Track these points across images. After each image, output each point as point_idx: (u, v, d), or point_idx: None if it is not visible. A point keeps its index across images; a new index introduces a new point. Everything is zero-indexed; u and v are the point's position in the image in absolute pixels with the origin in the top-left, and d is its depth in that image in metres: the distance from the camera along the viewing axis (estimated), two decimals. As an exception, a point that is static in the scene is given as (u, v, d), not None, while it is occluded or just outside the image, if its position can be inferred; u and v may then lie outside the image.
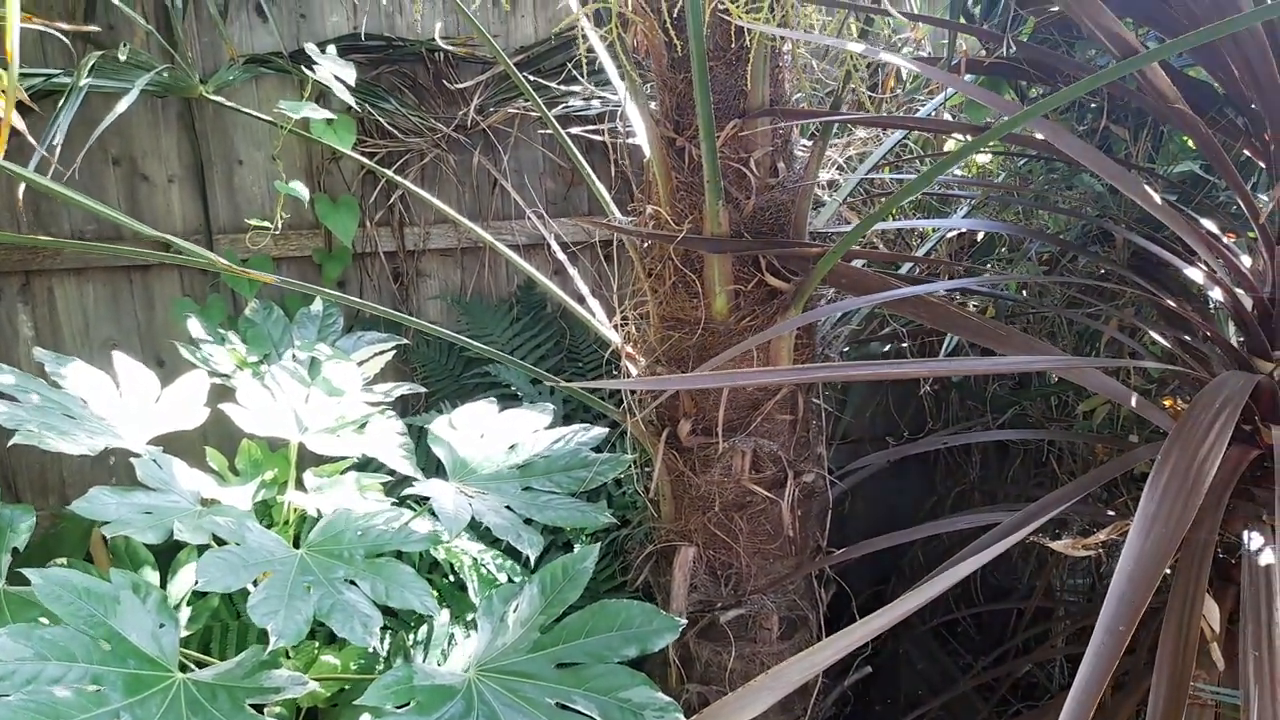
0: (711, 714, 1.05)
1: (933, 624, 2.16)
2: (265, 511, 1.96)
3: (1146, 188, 1.18)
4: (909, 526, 1.56)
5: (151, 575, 2.00)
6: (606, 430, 1.77)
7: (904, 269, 1.78)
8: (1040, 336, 1.63)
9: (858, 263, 1.72)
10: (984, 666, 1.82)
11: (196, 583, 1.32)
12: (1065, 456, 1.79)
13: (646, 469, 1.74)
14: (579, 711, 1.39)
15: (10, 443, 1.41)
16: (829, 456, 1.79)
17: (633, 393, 1.71)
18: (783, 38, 1.39)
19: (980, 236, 1.94)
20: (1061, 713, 0.81)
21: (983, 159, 2.05)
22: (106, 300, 2.36)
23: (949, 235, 1.93)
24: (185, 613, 1.87)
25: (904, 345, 1.91)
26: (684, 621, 1.49)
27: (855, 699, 1.91)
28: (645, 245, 1.65)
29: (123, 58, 1.87)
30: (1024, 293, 1.68)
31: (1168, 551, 0.89)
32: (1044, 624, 2.02)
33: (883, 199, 1.99)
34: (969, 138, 2.09)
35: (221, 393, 1.87)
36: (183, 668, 1.36)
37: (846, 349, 2.00)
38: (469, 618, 1.98)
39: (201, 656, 1.73)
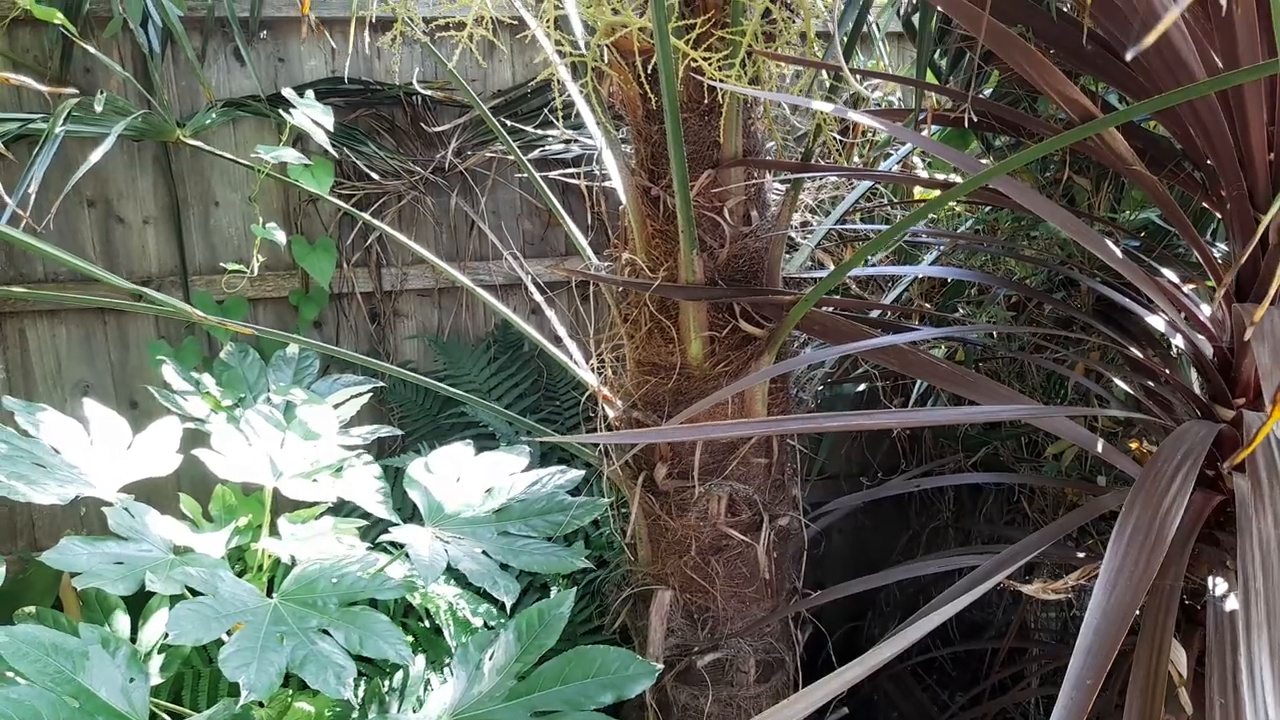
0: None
1: (910, 663, 2.17)
2: (239, 558, 1.95)
3: (1107, 241, 1.21)
4: (884, 563, 1.58)
5: (122, 621, 1.98)
6: (583, 472, 1.78)
7: (876, 311, 1.81)
8: (1009, 380, 1.67)
9: (830, 309, 1.75)
10: (960, 707, 1.83)
11: (167, 635, 1.30)
12: (1036, 496, 1.82)
13: (623, 511, 1.75)
14: (556, 760, 1.38)
15: (-21, 494, 1.40)
16: (804, 495, 1.81)
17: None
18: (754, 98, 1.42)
19: (949, 281, 1.97)
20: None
21: (953, 204, 2.09)
22: (80, 341, 2.34)
23: (919, 278, 1.97)
24: (157, 661, 1.84)
25: (878, 385, 1.94)
26: (660, 666, 1.49)
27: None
28: (621, 291, 1.67)
29: (99, 109, 1.88)
30: (993, 337, 1.71)
31: (1133, 604, 0.91)
32: (1019, 663, 2.03)
33: (856, 243, 2.03)
34: (936, 191, 2.14)
35: (196, 437, 1.86)
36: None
37: (821, 388, 2.02)
38: (445, 663, 1.96)
39: (173, 707, 1.70)
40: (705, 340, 1.57)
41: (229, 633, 1.41)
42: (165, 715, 1.69)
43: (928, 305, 1.78)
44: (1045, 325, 1.61)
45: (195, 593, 1.44)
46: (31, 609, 1.85)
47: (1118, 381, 1.37)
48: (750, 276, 1.58)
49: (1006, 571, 1.16)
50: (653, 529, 1.69)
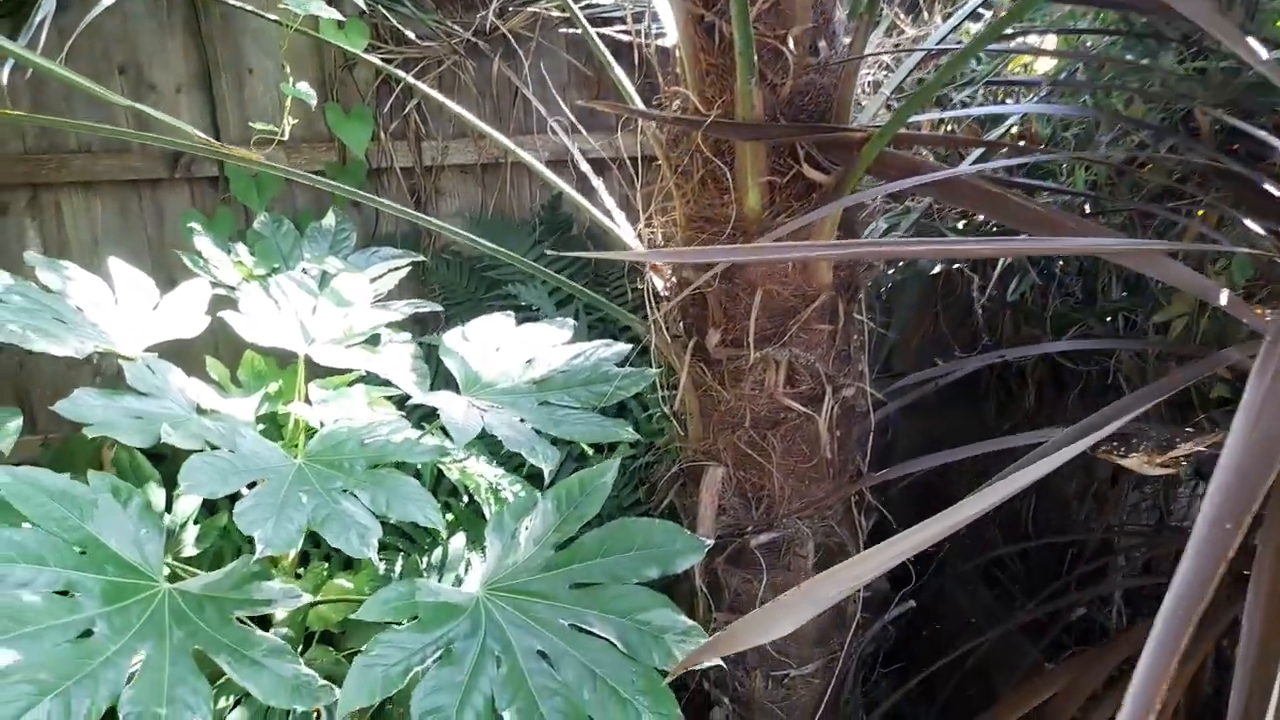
0: (741, 628, 0.93)
1: (979, 561, 2.02)
2: (275, 426, 1.87)
3: (1252, 42, 1.01)
4: (956, 447, 1.42)
5: (156, 494, 1.93)
6: (630, 346, 1.64)
7: (964, 166, 1.61)
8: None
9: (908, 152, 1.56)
10: (1035, 604, 1.68)
11: (180, 486, 1.22)
12: (1134, 382, 1.63)
13: (672, 384, 1.61)
14: (595, 634, 1.28)
15: (-12, 341, 1.32)
16: (872, 380, 1.65)
17: (657, 302, 1.58)
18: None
19: (1044, 140, 1.76)
20: (1157, 621, 0.67)
21: (1046, 64, 1.86)
22: (115, 216, 2.27)
23: (1012, 130, 1.75)
24: (192, 532, 1.79)
25: (957, 265, 1.75)
26: (710, 542, 1.37)
27: (896, 636, 1.78)
28: (671, 137, 1.51)
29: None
30: (1096, 188, 1.51)
31: (1283, 441, 0.74)
32: (1101, 565, 1.87)
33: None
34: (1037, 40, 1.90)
35: (225, 306, 1.78)
36: (173, 578, 1.27)
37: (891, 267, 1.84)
38: (485, 543, 1.88)
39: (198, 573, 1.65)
40: (763, 188, 1.40)
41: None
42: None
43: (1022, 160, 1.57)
44: (1160, 173, 1.41)
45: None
46: (66, 476, 1.81)
47: (1248, 224, 1.17)
48: (816, 115, 1.40)
49: (1102, 433, 1.00)
50: (704, 401, 1.55)
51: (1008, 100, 1.70)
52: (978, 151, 1.59)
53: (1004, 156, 1.57)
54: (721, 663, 1.57)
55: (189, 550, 1.81)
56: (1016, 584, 2.03)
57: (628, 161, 2.26)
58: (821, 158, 1.41)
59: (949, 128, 1.71)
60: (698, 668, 1.52)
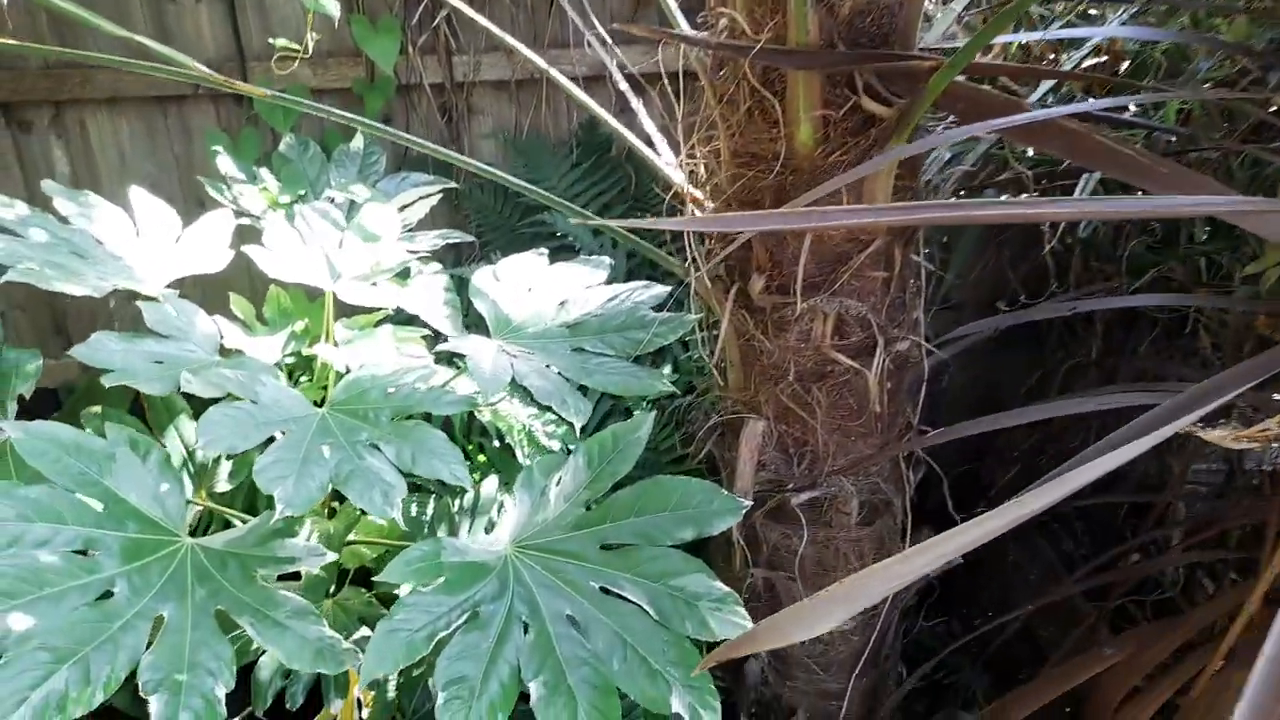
0: (779, 623, 0.87)
1: (1034, 517, 1.93)
2: (306, 367, 1.83)
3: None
4: (1011, 401, 1.32)
5: (187, 427, 1.91)
6: (669, 289, 1.55)
7: (1037, 96, 1.46)
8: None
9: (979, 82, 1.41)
10: (1096, 568, 1.60)
11: (197, 443, 1.18)
12: (1214, 328, 1.50)
13: (713, 331, 1.52)
14: (626, 599, 1.24)
15: (2, 279, 1.27)
16: (927, 322, 1.54)
17: (699, 242, 1.48)
18: None
19: (1129, 63, 1.58)
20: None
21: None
22: (142, 134, 2.20)
23: (1093, 57, 1.58)
24: (225, 467, 1.78)
25: (1031, 192, 1.60)
26: (748, 503, 1.30)
27: (941, 588, 1.72)
28: (716, 63, 1.38)
29: None
30: (1187, 126, 1.36)
31: None
32: (1161, 523, 1.78)
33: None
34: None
35: (251, 235, 1.71)
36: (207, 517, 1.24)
37: (959, 194, 1.70)
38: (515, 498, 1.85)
39: (233, 512, 1.63)
40: (817, 122, 1.27)
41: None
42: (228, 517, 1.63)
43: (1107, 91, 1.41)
44: (1262, 105, 1.25)
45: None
46: (97, 409, 1.80)
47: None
48: (878, 40, 1.25)
49: (1200, 411, 0.89)
50: (745, 351, 1.46)
51: (1088, 19, 1.53)
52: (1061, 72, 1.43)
53: (1083, 87, 1.42)
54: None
55: (222, 485, 1.80)
56: (1073, 539, 1.95)
57: (666, 81, 2.12)
58: (882, 87, 1.27)
59: (1013, 52, 1.54)
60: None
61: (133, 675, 1.02)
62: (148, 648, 1.04)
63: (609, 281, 1.59)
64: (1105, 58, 1.47)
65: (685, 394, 1.74)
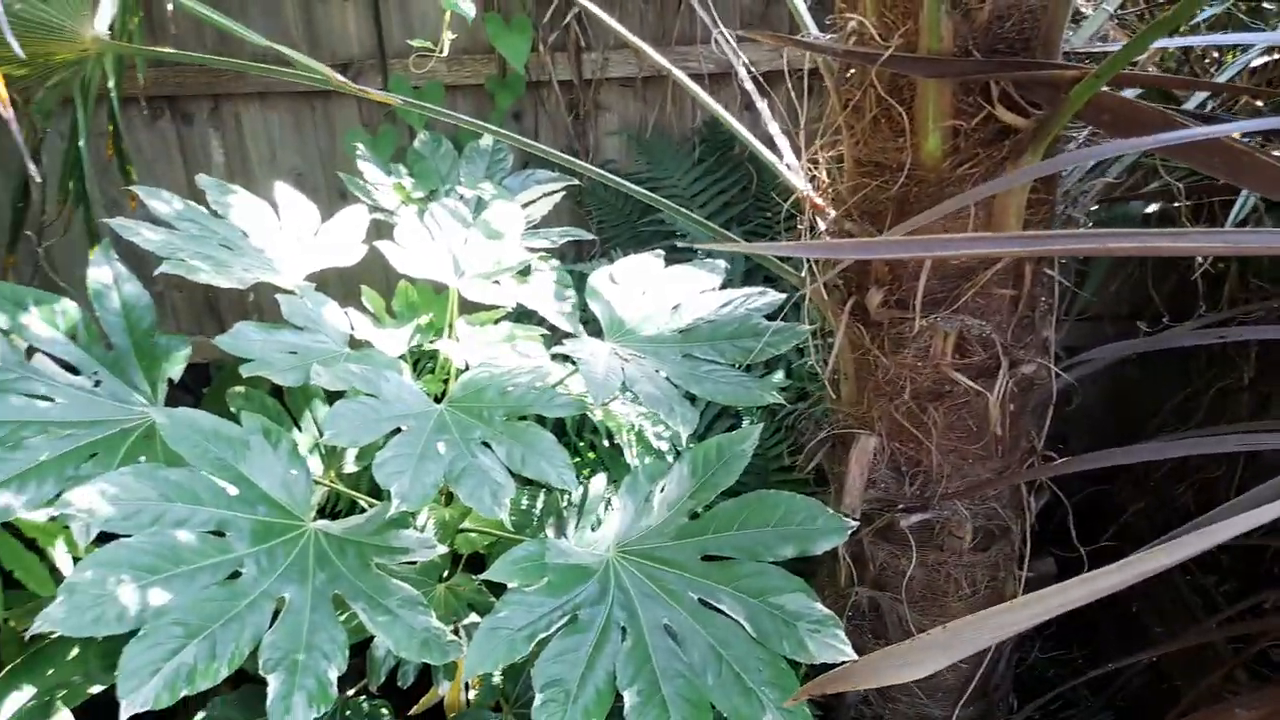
0: (875, 664, 0.85)
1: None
2: (431, 358, 1.90)
3: None
4: (1148, 425, 1.23)
5: (321, 410, 2.02)
6: (784, 295, 1.53)
7: (1194, 104, 1.35)
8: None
9: (1128, 93, 1.32)
10: (1238, 613, 1.48)
11: (319, 429, 1.24)
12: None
13: (828, 340, 1.49)
14: (723, 612, 1.23)
15: (157, 271, 1.37)
16: (1058, 337, 1.46)
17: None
18: None
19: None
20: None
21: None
22: (290, 128, 2.32)
23: (1257, 61, 1.45)
24: (353, 450, 1.87)
25: (1179, 205, 1.49)
26: (854, 523, 1.28)
27: (1064, 618, 1.63)
28: (843, 70, 1.34)
29: None
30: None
31: None
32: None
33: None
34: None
35: (387, 230, 1.78)
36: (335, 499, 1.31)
37: (1097, 207, 1.60)
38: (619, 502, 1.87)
39: (356, 495, 1.72)
40: (946, 132, 1.22)
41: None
42: (356, 498, 1.71)
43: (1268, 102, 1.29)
44: None
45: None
46: (241, 389, 1.92)
47: None
48: (1017, 46, 1.19)
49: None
50: (860, 365, 1.43)
51: (1259, 15, 1.39)
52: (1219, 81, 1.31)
53: (1237, 103, 1.30)
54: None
55: (350, 467, 1.89)
56: (1215, 572, 1.81)
57: (789, 83, 2.07)
58: (1019, 97, 1.21)
59: (1170, 56, 1.43)
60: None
61: (252, 653, 1.09)
62: (270, 626, 1.11)
63: (725, 284, 1.58)
64: (1272, 73, 1.34)
65: (797, 401, 1.72)
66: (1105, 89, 1.10)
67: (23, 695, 1.67)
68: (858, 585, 1.51)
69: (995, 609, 0.76)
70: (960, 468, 1.39)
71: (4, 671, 1.70)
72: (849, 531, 1.26)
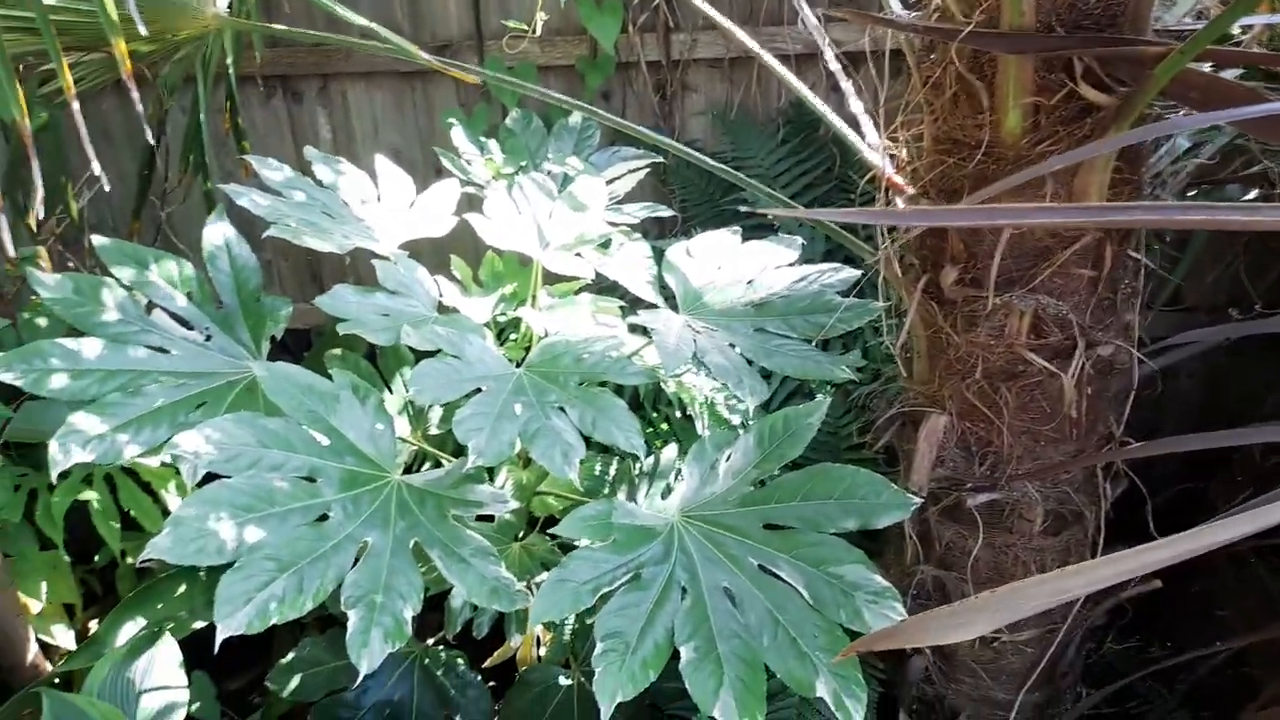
0: (925, 623, 0.88)
1: (1254, 541, 1.74)
2: (515, 327, 1.97)
3: None
4: (1250, 416, 1.20)
5: (410, 374, 2.11)
6: (858, 272, 1.53)
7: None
8: None
9: (1229, 74, 1.28)
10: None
11: (408, 391, 1.32)
12: None
13: (901, 319, 1.49)
14: (783, 579, 1.26)
15: (264, 234, 1.47)
16: (1144, 324, 1.43)
17: (890, 229, 1.45)
18: None
19: None
20: None
21: None
22: (392, 106, 2.43)
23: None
24: (438, 411, 1.96)
25: (1277, 190, 1.43)
26: (918, 500, 1.28)
27: (1141, 609, 1.59)
28: (924, 47, 1.34)
29: None
30: None
31: None
32: None
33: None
34: None
35: (479, 203, 1.86)
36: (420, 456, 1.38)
37: (1190, 192, 1.55)
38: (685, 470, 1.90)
39: (451, 459, 1.80)
40: (1026, 109, 1.21)
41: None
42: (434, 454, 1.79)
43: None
44: None
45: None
46: (338, 351, 2.03)
47: None
48: (1104, 22, 1.17)
49: None
50: (932, 343, 1.43)
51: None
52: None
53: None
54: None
55: (434, 429, 1.99)
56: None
57: (871, 63, 2.06)
58: (1103, 74, 1.19)
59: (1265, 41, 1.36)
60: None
61: (337, 589, 1.17)
62: (352, 567, 1.19)
63: (802, 261, 1.60)
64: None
65: (872, 380, 1.72)
66: (1193, 66, 1.07)
67: (135, 625, 1.82)
68: (923, 564, 1.52)
69: (1044, 575, 0.76)
70: (1032, 449, 1.38)
71: (120, 604, 1.87)
72: (913, 507, 1.27)
